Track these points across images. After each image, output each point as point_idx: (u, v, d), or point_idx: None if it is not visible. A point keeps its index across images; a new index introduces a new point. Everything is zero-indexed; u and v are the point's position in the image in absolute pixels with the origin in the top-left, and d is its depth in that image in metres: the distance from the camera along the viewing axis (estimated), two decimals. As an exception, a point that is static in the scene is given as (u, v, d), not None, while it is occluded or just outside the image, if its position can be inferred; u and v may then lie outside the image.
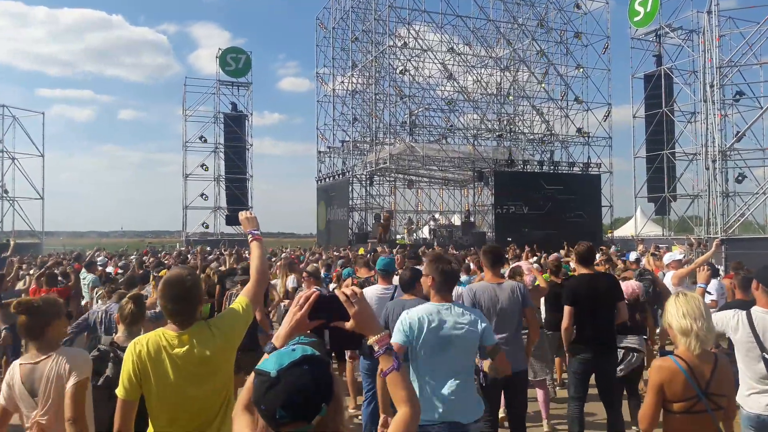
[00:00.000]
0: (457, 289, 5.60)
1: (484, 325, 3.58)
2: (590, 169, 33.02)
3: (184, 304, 2.73)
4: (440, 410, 3.40)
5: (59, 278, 9.16)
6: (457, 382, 3.46)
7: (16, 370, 3.16)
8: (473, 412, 3.54)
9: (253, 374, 1.52)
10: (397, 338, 3.38)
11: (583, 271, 5.55)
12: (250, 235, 3.18)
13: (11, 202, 37.75)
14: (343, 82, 36.80)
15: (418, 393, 3.29)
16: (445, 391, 3.43)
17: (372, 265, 7.36)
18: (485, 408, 4.81)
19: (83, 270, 10.43)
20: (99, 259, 15.79)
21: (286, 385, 1.39)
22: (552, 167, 32.65)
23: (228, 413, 2.74)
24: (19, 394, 3.10)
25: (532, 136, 34.79)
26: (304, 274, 8.17)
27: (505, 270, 6.93)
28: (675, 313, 3.10)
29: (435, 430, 3.38)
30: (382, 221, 28.81)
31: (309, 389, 1.40)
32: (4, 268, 9.57)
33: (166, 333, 2.73)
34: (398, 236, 28.83)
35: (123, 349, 3.35)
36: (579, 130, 33.25)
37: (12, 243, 13.83)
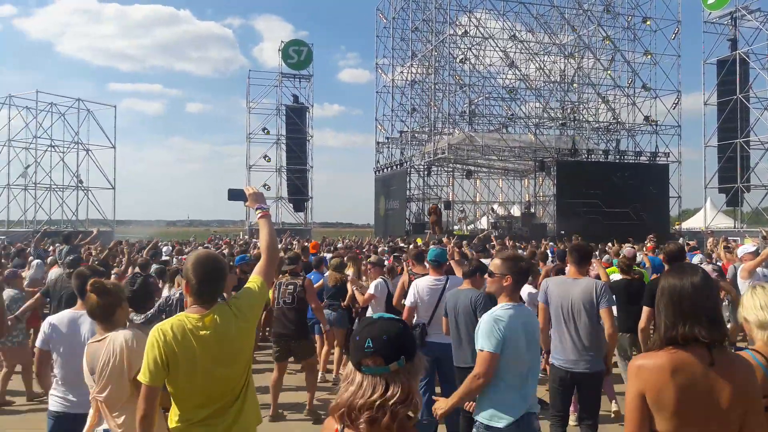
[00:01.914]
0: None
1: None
2: (658, 158, 31.86)
3: (210, 283, 2.76)
4: (527, 405, 3.37)
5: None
6: (534, 377, 3.49)
7: (86, 350, 3.30)
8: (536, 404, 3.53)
9: None
10: (489, 346, 3.28)
11: None
12: (259, 211, 3.12)
13: (85, 191, 39.64)
14: (402, 72, 36.73)
15: (506, 393, 3.30)
16: (530, 389, 3.42)
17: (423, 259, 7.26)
18: (554, 405, 4.74)
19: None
20: (165, 249, 16.36)
21: (380, 325, 1.69)
22: (618, 157, 31.65)
23: (249, 391, 2.80)
24: (84, 372, 3.24)
25: (596, 125, 33.81)
26: (368, 264, 8.19)
27: None
28: (752, 306, 2.89)
29: (522, 423, 3.32)
30: (430, 214, 28.66)
31: (394, 335, 1.66)
32: (79, 253, 9.99)
33: (189, 316, 2.72)
34: (455, 227, 28.60)
35: None
36: (646, 118, 32.10)
37: (95, 231, 14.56)
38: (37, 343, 3.82)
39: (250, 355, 2.88)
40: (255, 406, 2.88)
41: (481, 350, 3.28)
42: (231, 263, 8.59)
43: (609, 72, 33.13)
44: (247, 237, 29.45)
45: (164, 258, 12.34)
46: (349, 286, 7.99)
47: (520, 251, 11.43)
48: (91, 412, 3.23)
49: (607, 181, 29.02)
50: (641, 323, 5.12)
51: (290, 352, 6.62)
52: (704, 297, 2.15)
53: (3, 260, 10.70)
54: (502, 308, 3.41)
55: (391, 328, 1.67)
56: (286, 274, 6.73)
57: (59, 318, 3.86)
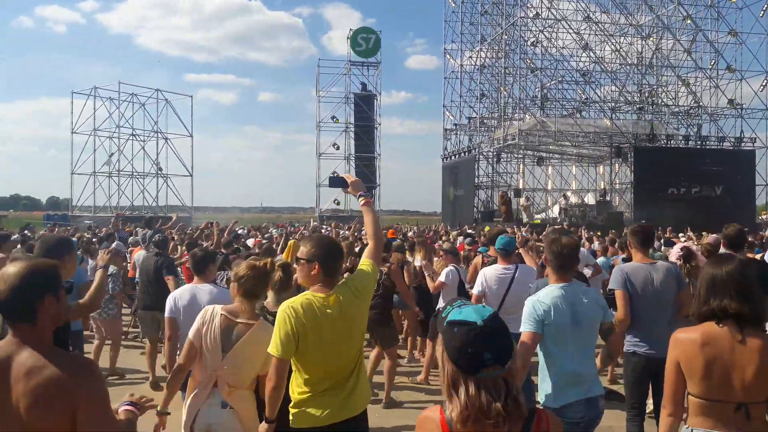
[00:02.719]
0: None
1: (603, 301, 3.48)
2: (743, 144, 30.06)
3: (334, 262, 3.02)
4: (582, 388, 3.30)
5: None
6: (589, 359, 3.40)
7: (217, 316, 3.35)
8: (600, 387, 3.44)
9: (444, 327, 1.71)
10: (529, 327, 3.24)
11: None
12: (361, 198, 3.28)
13: (165, 178, 41.33)
14: (471, 57, 36.20)
15: (554, 376, 3.29)
16: (583, 369, 3.33)
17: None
18: (632, 395, 4.58)
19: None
20: (241, 231, 16.85)
21: (492, 331, 1.64)
22: (699, 142, 30.11)
23: (361, 367, 3.06)
24: (211, 344, 3.29)
25: (676, 109, 32.27)
26: (441, 251, 8.13)
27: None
28: None
29: (578, 408, 3.27)
30: (500, 201, 28.24)
31: (507, 335, 1.67)
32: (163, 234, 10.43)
33: (316, 295, 2.94)
34: (523, 216, 28.04)
35: (273, 314, 3.63)
36: (731, 101, 30.35)
37: (174, 217, 15.19)
38: (166, 314, 4.29)
39: (364, 332, 3.16)
40: (366, 383, 3.13)
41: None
42: None
43: (690, 53, 31.49)
44: (316, 223, 29.91)
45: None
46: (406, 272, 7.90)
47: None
48: (199, 385, 3.35)
49: (688, 168, 27.71)
50: None
51: (376, 340, 6.77)
52: (737, 276, 2.45)
53: (94, 244, 11.30)
54: (545, 290, 3.39)
55: (501, 327, 1.67)
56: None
57: (180, 292, 4.41)
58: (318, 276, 2.97)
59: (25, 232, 13.45)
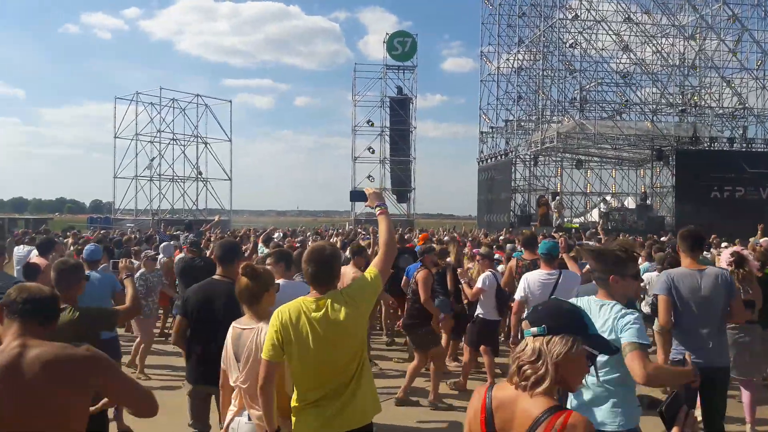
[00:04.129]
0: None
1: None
2: (791, 146, 29.05)
3: (322, 269, 3.01)
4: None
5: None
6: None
7: (230, 331, 3.44)
8: None
9: None
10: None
11: None
12: (377, 209, 3.35)
13: (204, 182, 42.02)
14: (508, 59, 35.86)
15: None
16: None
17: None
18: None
19: (261, 245, 11.27)
20: (276, 235, 17.03)
21: (547, 302, 2.05)
22: (745, 145, 29.22)
23: (363, 375, 2.98)
24: (228, 355, 3.38)
25: (720, 111, 31.37)
26: (478, 256, 8.11)
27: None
28: None
29: None
30: (540, 205, 27.92)
31: (545, 307, 1.96)
32: (199, 238, 10.61)
33: (306, 300, 2.99)
34: (555, 219, 27.60)
35: None
36: (777, 102, 29.37)
37: (217, 219, 15.45)
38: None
39: (361, 342, 3.03)
40: (370, 394, 3.03)
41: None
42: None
43: (736, 53, 30.60)
44: (351, 227, 30.02)
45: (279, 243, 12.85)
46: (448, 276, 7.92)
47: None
48: (233, 401, 3.36)
49: (733, 171, 26.89)
50: None
51: (414, 343, 6.90)
52: None
53: (135, 246, 11.59)
54: None
55: (552, 303, 2.02)
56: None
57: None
58: (310, 282, 3.04)
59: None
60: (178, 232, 15.53)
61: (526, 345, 1.85)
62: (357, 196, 3.67)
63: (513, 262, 7.46)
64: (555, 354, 1.79)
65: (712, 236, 14.61)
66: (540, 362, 1.78)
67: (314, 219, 66.74)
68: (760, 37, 30.28)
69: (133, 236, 14.71)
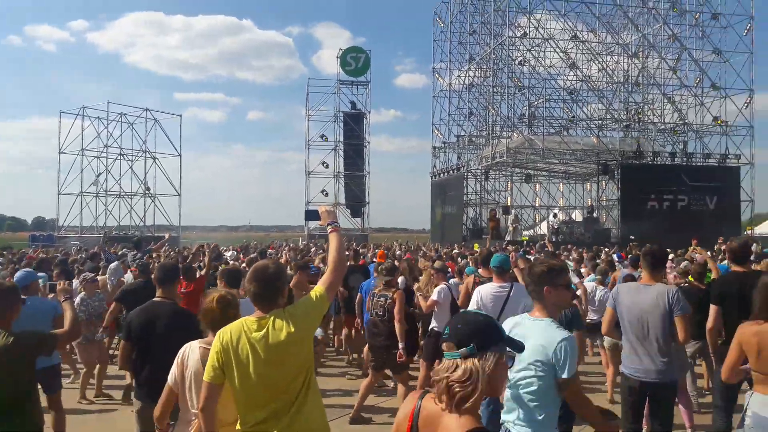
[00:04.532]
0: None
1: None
2: (728, 160, 30.43)
3: (265, 288, 2.94)
4: None
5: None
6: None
7: (195, 351, 3.31)
8: None
9: None
10: None
11: (737, 269, 5.05)
12: (329, 227, 3.31)
13: (152, 198, 41.08)
14: (459, 76, 36.52)
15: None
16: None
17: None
18: (626, 418, 4.48)
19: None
20: (229, 253, 16.71)
21: (462, 316, 1.95)
22: (685, 159, 30.43)
23: (308, 396, 2.91)
24: (195, 376, 3.25)
25: (662, 126, 32.68)
26: (431, 270, 8.08)
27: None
28: None
29: None
30: (490, 219, 28.37)
31: (467, 323, 1.89)
32: (146, 257, 10.32)
33: (248, 320, 2.93)
34: (508, 234, 28.08)
35: None
36: (716, 118, 30.87)
37: (168, 236, 15.03)
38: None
39: (303, 361, 2.94)
40: (317, 412, 2.97)
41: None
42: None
43: (676, 71, 31.93)
44: (305, 242, 29.80)
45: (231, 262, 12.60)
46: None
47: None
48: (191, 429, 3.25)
49: (674, 185, 27.95)
50: (709, 323, 4.88)
51: (385, 364, 6.68)
52: None
53: (78, 266, 11.15)
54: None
55: (469, 318, 1.93)
56: (380, 286, 6.74)
57: None
58: (252, 301, 2.99)
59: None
60: (125, 250, 15.04)
61: (456, 366, 1.82)
62: (311, 215, 3.68)
63: (470, 279, 7.45)
64: (489, 369, 1.81)
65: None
66: (470, 381, 1.79)
67: (267, 234, 65.95)
68: (698, 56, 31.70)
69: (78, 256, 14.21)
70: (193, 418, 3.24)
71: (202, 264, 9.46)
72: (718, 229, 23.52)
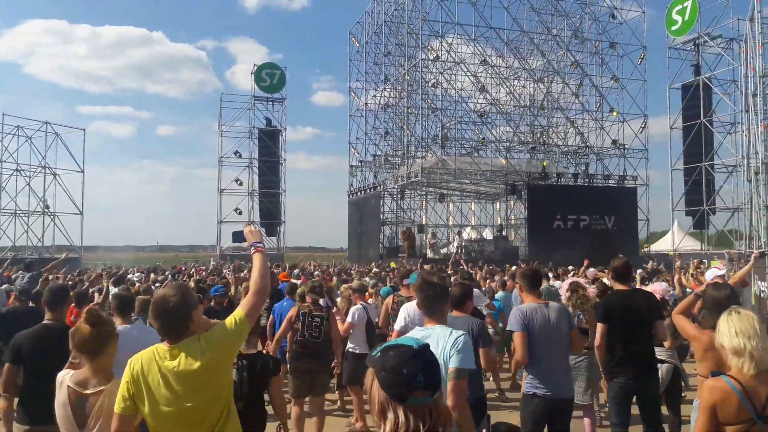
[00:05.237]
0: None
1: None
2: (626, 181, 32.39)
3: (169, 322, 2.78)
4: None
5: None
6: None
7: (63, 388, 3.09)
8: None
9: (377, 355, 1.72)
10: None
11: (620, 287, 5.30)
12: (252, 248, 3.21)
13: (52, 217, 38.67)
14: (375, 96, 36.96)
15: None
16: None
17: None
18: None
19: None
20: (136, 276, 15.98)
21: (426, 356, 1.68)
22: (587, 180, 32.15)
23: (227, 427, 2.80)
24: (64, 421, 3.05)
25: (566, 149, 34.36)
26: (350, 290, 8.00)
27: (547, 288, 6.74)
28: (727, 332, 2.92)
29: None
30: (403, 237, 28.74)
31: (438, 367, 1.72)
32: (38, 281, 9.68)
33: (160, 347, 2.78)
34: (427, 252, 28.57)
35: (243, 356, 4.18)
36: (614, 142, 32.73)
37: (64, 256, 14.15)
38: None
39: (220, 391, 2.83)
40: None
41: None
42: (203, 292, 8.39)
43: (577, 96, 33.78)
44: (214, 263, 29.01)
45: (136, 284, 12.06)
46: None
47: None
48: None
49: (577, 204, 29.42)
50: (597, 340, 5.10)
51: (311, 388, 6.35)
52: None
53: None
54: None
55: (432, 357, 1.72)
56: (310, 305, 6.39)
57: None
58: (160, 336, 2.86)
59: None
60: (19, 273, 14.04)
61: (409, 420, 1.61)
62: (238, 236, 3.59)
63: (389, 299, 7.47)
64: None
65: (559, 268, 15.66)
66: (449, 419, 1.67)
67: (176, 255, 63.56)
68: (598, 82, 33.63)
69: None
70: None
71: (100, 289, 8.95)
72: (618, 247, 24.94)
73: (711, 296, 4.13)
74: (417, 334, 3.35)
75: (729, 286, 4.50)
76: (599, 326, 5.11)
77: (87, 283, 10.29)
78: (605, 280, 8.10)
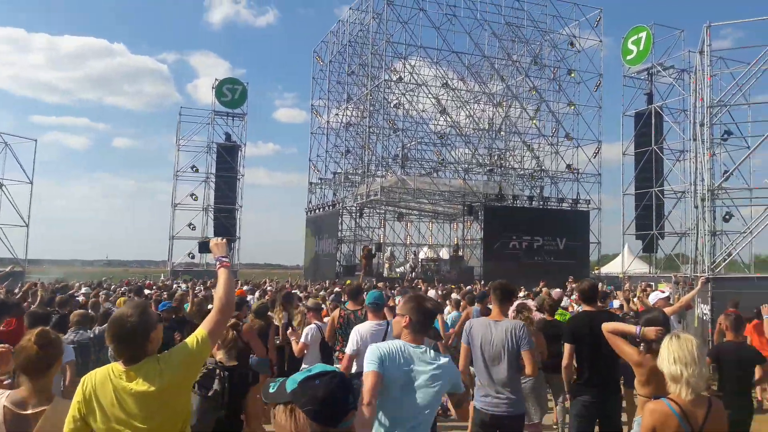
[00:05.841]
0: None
1: (451, 374, 3.36)
2: (579, 205, 33.12)
3: (126, 344, 2.67)
4: None
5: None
6: (414, 424, 3.21)
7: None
8: None
9: (297, 388, 1.68)
10: (370, 367, 3.17)
11: (586, 308, 5.44)
12: (218, 262, 3.14)
13: (-6, 228, 37.18)
14: (337, 114, 37.09)
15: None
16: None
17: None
18: None
19: None
20: (83, 290, 15.50)
21: (346, 378, 1.71)
22: (541, 203, 32.80)
23: None
24: None
25: (522, 172, 35.05)
26: (304, 308, 7.94)
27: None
28: (666, 358, 3.06)
29: None
30: (362, 255, 28.81)
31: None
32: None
33: (115, 367, 2.67)
34: (384, 271, 28.66)
35: (226, 368, 4.44)
36: (569, 166, 33.47)
37: (10, 269, 13.67)
38: None
39: (178, 414, 2.72)
40: None
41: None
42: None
43: (534, 121, 34.53)
44: (164, 279, 28.32)
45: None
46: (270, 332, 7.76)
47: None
48: None
49: (531, 226, 29.99)
50: (564, 360, 5.18)
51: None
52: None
53: None
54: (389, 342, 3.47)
55: (348, 378, 1.75)
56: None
57: None
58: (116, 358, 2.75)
59: None
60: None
61: None
62: (203, 247, 3.51)
63: (336, 313, 7.44)
64: None
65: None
66: None
67: (125, 270, 61.90)
68: (554, 108, 34.50)
69: None
70: None
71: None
72: (570, 268, 25.52)
73: (646, 319, 4.27)
74: (429, 353, 3.31)
75: (660, 310, 4.69)
76: (566, 347, 5.18)
77: (20, 293, 9.94)
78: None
